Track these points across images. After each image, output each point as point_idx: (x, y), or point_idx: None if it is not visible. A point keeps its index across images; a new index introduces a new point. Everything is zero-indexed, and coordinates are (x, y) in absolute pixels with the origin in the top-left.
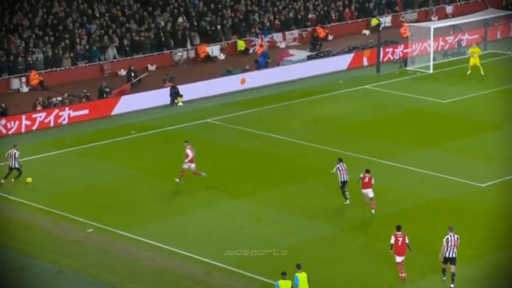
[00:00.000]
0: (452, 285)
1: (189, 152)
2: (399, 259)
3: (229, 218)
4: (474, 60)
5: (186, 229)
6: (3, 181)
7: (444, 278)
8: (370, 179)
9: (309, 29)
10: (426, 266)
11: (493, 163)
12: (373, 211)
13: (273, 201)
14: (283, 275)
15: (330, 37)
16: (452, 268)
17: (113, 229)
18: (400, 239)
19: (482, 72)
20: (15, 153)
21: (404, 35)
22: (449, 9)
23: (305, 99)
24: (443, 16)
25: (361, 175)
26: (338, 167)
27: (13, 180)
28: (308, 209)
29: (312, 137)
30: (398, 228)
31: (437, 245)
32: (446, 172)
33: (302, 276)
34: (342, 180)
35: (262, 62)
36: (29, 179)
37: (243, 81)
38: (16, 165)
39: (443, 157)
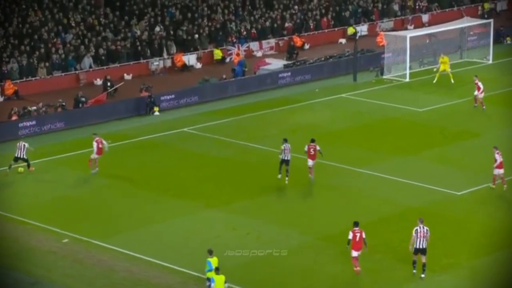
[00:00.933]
0: (423, 275)
1: (94, 145)
2: (355, 253)
3: (205, 228)
4: (444, 67)
5: (162, 238)
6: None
7: (414, 271)
8: (315, 150)
9: (285, 38)
10: (403, 275)
11: (469, 172)
12: (311, 176)
13: (250, 210)
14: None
15: (306, 46)
16: (423, 258)
17: (88, 239)
18: (358, 234)
19: (452, 81)
20: (24, 144)
21: (381, 44)
22: (425, 18)
23: (282, 108)
24: (420, 25)
25: (306, 147)
26: (284, 147)
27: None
28: (285, 218)
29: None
30: (356, 224)
31: (408, 254)
32: (422, 180)
33: (214, 260)
34: (284, 158)
35: (239, 71)
36: (21, 169)
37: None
38: (24, 156)
39: (419, 166)
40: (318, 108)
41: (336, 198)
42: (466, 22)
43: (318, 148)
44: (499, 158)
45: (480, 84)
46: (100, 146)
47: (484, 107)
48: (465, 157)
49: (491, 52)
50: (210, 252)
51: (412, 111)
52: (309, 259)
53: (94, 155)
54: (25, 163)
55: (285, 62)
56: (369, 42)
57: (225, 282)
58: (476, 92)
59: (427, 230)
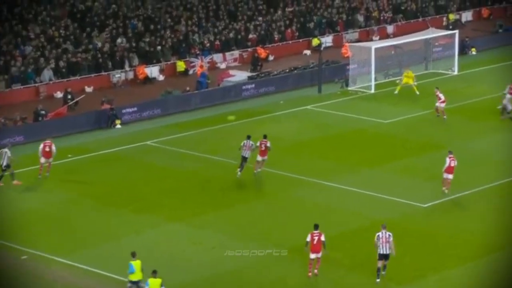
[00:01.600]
0: (383, 272)
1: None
2: (312, 256)
3: (169, 242)
4: (407, 80)
5: (124, 254)
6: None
7: (377, 280)
8: (266, 146)
9: (249, 49)
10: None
11: (434, 183)
12: (258, 170)
13: (214, 224)
14: (153, 274)
15: (271, 58)
16: (386, 262)
17: (48, 256)
18: (316, 237)
19: (417, 92)
20: (6, 152)
21: (345, 55)
22: (390, 29)
23: (246, 120)
24: (385, 36)
25: (259, 142)
26: (244, 143)
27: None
28: (250, 231)
29: (254, 158)
30: (316, 227)
31: (371, 269)
32: (388, 193)
33: (136, 263)
34: (243, 155)
35: (203, 83)
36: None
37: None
38: (4, 164)
39: (385, 178)
40: (282, 120)
41: (302, 211)
42: (431, 33)
43: (268, 144)
44: (449, 162)
45: (441, 95)
46: (47, 149)
47: (445, 117)
48: (430, 168)
49: (456, 63)
50: (133, 255)
51: (377, 122)
52: (276, 272)
53: (42, 159)
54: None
55: (249, 74)
56: (334, 53)
57: (162, 286)
58: (437, 103)
59: (389, 235)
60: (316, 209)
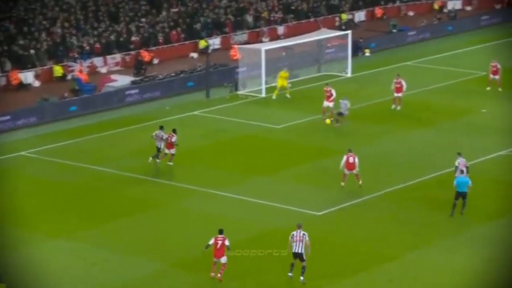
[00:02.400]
0: (301, 277)
1: None
2: (216, 259)
3: (50, 259)
4: (282, 82)
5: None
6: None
7: (290, 274)
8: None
9: (132, 52)
10: None
11: (329, 191)
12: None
13: (97, 239)
14: None
15: (155, 61)
16: (302, 263)
17: None
18: (220, 242)
19: (288, 95)
20: (162, 134)
21: (235, 58)
22: (280, 30)
23: (130, 127)
24: (275, 37)
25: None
26: (156, 133)
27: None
28: (136, 245)
29: (140, 168)
30: (221, 232)
31: (272, 278)
32: (282, 201)
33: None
34: (158, 146)
35: (84, 89)
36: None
37: None
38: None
39: (278, 186)
40: (169, 127)
41: (191, 222)
42: (323, 34)
43: (174, 139)
44: (347, 159)
45: (333, 91)
46: None
47: (342, 123)
48: (324, 175)
49: (350, 65)
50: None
51: (269, 128)
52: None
53: None
54: None
55: (133, 79)
56: (222, 56)
57: None
58: (325, 102)
59: (303, 234)
60: (207, 219)
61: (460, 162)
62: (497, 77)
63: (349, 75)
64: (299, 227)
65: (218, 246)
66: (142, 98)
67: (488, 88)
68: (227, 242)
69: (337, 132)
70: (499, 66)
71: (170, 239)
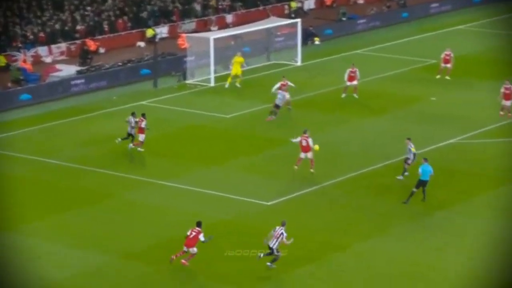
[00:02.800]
0: (269, 263)
1: None
2: (185, 249)
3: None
4: (236, 69)
5: None
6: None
7: (260, 255)
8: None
9: (78, 41)
10: None
11: (278, 180)
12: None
13: (44, 232)
14: None
15: (101, 50)
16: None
17: None
18: (194, 233)
19: (239, 85)
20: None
21: (182, 47)
22: (229, 18)
23: (75, 117)
24: (223, 25)
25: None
26: (128, 119)
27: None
28: (83, 237)
29: (85, 159)
30: (198, 224)
31: (222, 268)
32: (230, 191)
33: None
34: (129, 132)
35: (27, 79)
36: None
37: None
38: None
39: (227, 176)
40: (116, 117)
41: (139, 213)
42: (273, 22)
43: (143, 124)
44: (301, 141)
45: (290, 83)
46: None
47: (289, 106)
48: (273, 165)
49: (299, 54)
50: None
51: (218, 117)
52: (111, 280)
53: None
54: None
55: (78, 68)
56: (170, 45)
57: None
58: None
59: (282, 233)
60: (155, 211)
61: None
62: (448, 65)
63: (299, 63)
64: (282, 224)
65: (192, 236)
66: (88, 88)
67: (438, 76)
68: (201, 237)
69: (287, 121)
70: (452, 55)
71: (118, 231)
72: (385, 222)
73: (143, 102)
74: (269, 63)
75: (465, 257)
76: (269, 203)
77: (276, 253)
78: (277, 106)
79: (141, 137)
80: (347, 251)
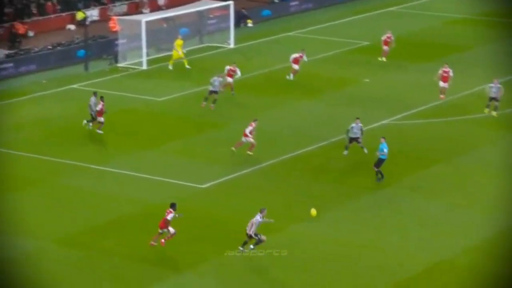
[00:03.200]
0: (251, 246)
1: None
2: (160, 230)
3: None
4: (177, 54)
5: None
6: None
7: (240, 248)
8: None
9: (6, 25)
10: (146, 275)
11: (213, 164)
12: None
13: None
14: None
15: (30, 33)
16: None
17: None
18: (167, 213)
19: (188, 66)
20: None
21: (114, 30)
22: (161, 0)
23: (3, 102)
24: (156, 8)
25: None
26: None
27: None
28: (13, 223)
29: (14, 144)
30: (171, 205)
31: (152, 253)
32: (165, 175)
33: None
34: (91, 113)
35: None
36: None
37: None
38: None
39: (161, 159)
40: (46, 102)
41: (72, 198)
42: (205, 5)
43: (99, 107)
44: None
45: (238, 70)
46: None
47: (233, 92)
48: (207, 148)
49: (232, 36)
50: None
51: (150, 100)
52: (42, 266)
53: None
54: None
55: (7, 52)
56: (101, 27)
57: None
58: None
59: (257, 219)
60: (87, 195)
61: (355, 126)
62: (386, 47)
63: (231, 46)
64: (261, 211)
65: (166, 217)
66: (17, 72)
67: (381, 59)
68: (168, 217)
69: (221, 104)
70: (393, 37)
71: (50, 216)
72: (320, 204)
73: (74, 86)
74: (201, 45)
75: (399, 236)
76: (203, 186)
77: (255, 237)
78: (214, 92)
79: (101, 119)
80: (281, 233)
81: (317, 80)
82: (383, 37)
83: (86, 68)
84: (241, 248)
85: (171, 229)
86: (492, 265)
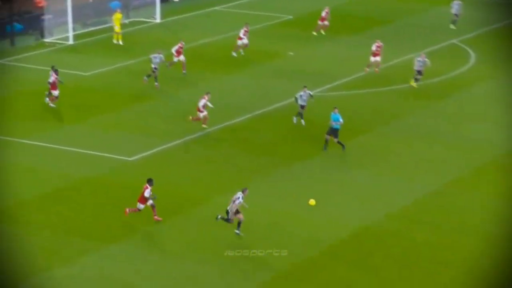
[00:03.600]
0: (237, 231)
1: None
2: (140, 206)
3: None
4: (117, 25)
5: None
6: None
7: (218, 216)
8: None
9: None
10: (77, 249)
11: (140, 136)
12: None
13: None
14: None
15: None
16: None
17: None
18: (146, 190)
19: (121, 42)
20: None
21: (40, 5)
22: None
23: None
24: None
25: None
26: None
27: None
28: None
29: None
30: (148, 181)
31: (81, 227)
32: (92, 148)
33: None
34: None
35: None
36: None
37: None
38: None
39: (89, 133)
40: None
41: (1, 173)
42: None
43: (51, 79)
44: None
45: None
46: None
47: (184, 71)
48: (135, 121)
49: (158, 11)
50: None
51: (77, 75)
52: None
53: None
54: None
55: None
56: (27, 3)
57: None
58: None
59: (238, 198)
60: (16, 169)
61: (303, 94)
62: (326, 22)
63: (158, 20)
64: (243, 191)
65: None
66: None
67: (315, 33)
68: (146, 193)
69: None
70: (328, 11)
71: None
72: (245, 175)
73: (0, 61)
74: (128, 20)
75: (325, 204)
76: (130, 159)
77: (233, 215)
78: (156, 69)
79: (55, 92)
80: (206, 204)
81: (244, 54)
82: (323, 13)
83: (12, 43)
84: (237, 231)
85: (151, 202)
86: (414, 230)
